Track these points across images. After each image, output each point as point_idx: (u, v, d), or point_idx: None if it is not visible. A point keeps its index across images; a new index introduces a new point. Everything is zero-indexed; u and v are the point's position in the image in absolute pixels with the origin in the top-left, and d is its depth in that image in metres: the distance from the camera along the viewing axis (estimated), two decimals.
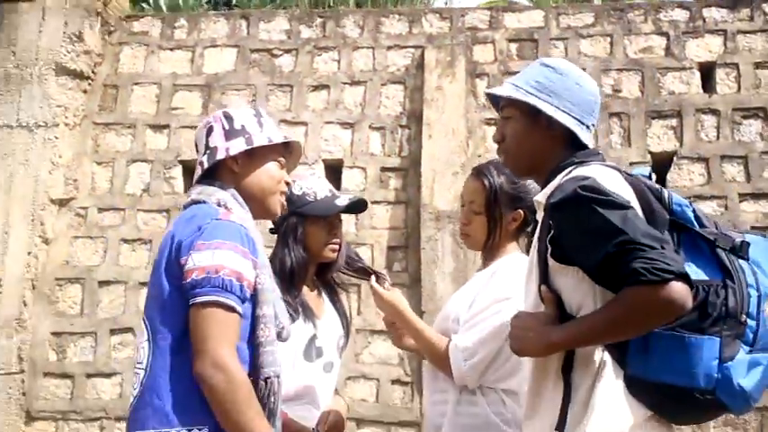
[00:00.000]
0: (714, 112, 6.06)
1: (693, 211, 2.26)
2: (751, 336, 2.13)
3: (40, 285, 6.21)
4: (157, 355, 2.25)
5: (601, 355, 2.15)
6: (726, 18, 6.25)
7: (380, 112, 6.35)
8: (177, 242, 2.27)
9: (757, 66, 6.11)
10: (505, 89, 2.48)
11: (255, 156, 2.48)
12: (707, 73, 6.20)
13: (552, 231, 2.22)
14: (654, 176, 2.36)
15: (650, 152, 6.04)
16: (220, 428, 2.19)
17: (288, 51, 6.57)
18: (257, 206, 2.49)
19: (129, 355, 6.00)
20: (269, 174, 2.51)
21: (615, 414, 2.11)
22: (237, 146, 2.46)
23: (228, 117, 2.52)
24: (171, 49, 6.70)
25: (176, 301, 2.26)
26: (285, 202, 2.62)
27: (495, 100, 2.61)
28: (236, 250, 2.25)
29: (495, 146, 2.79)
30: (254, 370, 2.27)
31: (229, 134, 2.49)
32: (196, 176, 2.51)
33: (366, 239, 6.07)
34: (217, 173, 2.48)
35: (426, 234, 5.87)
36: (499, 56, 6.37)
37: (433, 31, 6.48)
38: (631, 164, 5.87)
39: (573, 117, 2.42)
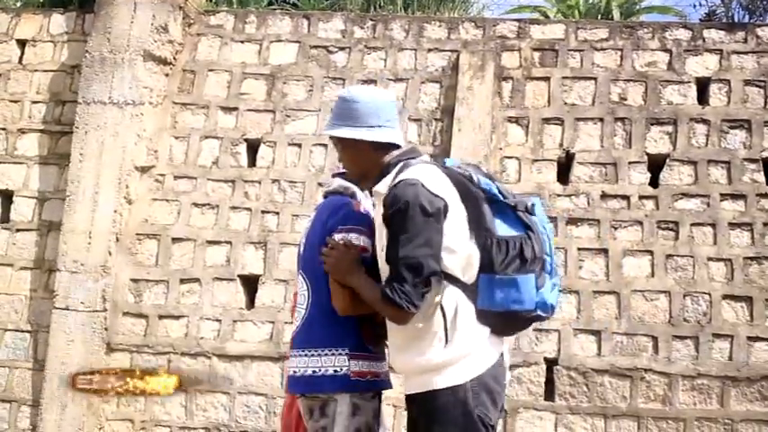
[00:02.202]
0: (705, 121, 6.53)
1: (497, 187, 2.93)
2: (549, 267, 2.89)
3: (123, 239, 6.75)
4: (314, 301, 3.06)
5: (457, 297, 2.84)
6: (723, 39, 6.71)
7: (418, 106, 6.83)
8: (329, 225, 3.04)
9: (746, 83, 6.59)
10: (331, 129, 3.06)
11: None
12: (702, 87, 6.64)
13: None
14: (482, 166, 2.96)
15: (647, 153, 6.52)
16: (355, 350, 3.00)
17: (342, 49, 7.04)
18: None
19: (195, 301, 6.66)
20: None
21: (472, 334, 2.83)
22: None
23: None
24: (241, 42, 7.15)
25: None
26: None
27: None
28: (362, 232, 3.03)
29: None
30: None
31: None
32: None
33: None
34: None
35: None
36: (524, 62, 6.81)
37: (468, 37, 6.92)
38: (630, 163, 6.46)
39: (378, 126, 2.99)
